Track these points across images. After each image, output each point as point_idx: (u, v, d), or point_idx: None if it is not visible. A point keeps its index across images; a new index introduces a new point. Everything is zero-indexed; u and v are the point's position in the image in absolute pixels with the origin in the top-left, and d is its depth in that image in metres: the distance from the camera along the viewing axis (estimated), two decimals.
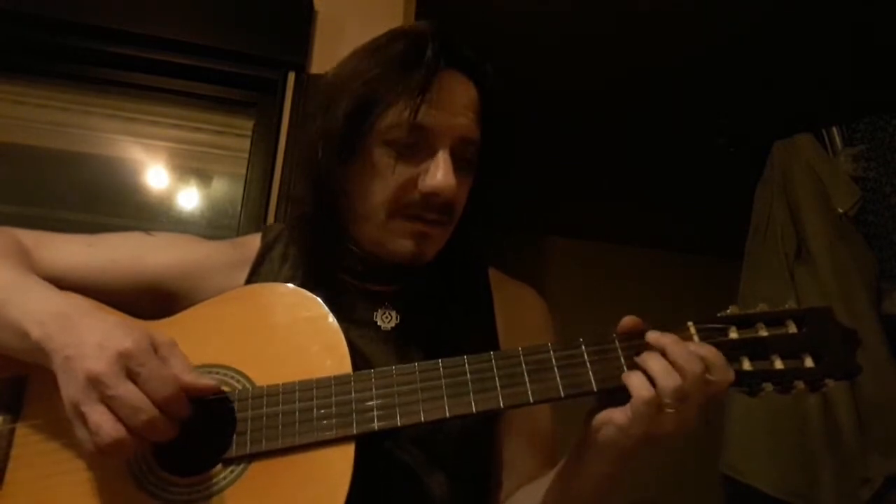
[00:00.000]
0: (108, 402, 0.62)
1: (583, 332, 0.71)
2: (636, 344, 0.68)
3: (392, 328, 0.84)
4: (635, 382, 0.64)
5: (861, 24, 2.03)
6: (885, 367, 2.05)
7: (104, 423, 0.61)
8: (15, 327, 0.68)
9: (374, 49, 0.84)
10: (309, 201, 0.86)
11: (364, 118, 0.79)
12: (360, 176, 0.81)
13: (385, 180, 0.79)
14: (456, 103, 0.80)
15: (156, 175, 1.71)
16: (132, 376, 0.63)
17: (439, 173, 0.77)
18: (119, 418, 0.62)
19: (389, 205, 0.79)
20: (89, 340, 0.64)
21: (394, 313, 0.85)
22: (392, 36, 0.84)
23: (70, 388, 0.63)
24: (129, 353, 0.63)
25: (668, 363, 0.64)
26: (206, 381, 0.68)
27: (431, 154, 0.78)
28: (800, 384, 0.67)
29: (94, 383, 0.62)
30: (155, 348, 0.66)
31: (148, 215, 1.67)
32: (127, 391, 0.62)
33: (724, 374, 0.65)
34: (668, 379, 0.62)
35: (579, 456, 0.70)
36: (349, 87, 0.81)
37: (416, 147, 0.78)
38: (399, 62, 0.79)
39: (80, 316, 0.68)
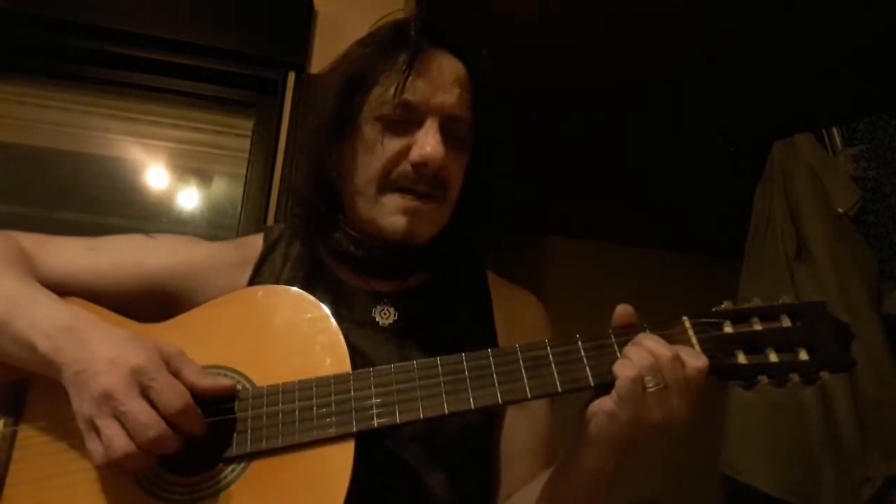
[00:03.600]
0: (120, 417, 0.63)
1: (582, 331, 0.71)
2: (631, 339, 0.68)
3: (390, 325, 0.85)
4: (618, 366, 0.66)
5: (861, 24, 2.03)
6: (886, 366, 2.05)
7: (115, 438, 0.63)
8: (21, 339, 0.69)
9: (365, 36, 0.88)
10: (308, 183, 0.88)
11: (353, 96, 0.83)
12: (353, 153, 0.84)
13: (376, 154, 0.81)
14: (442, 79, 0.82)
15: (156, 175, 1.71)
16: (144, 391, 0.64)
17: (428, 144, 0.79)
18: (129, 433, 0.63)
19: (380, 178, 0.81)
20: (101, 356, 0.65)
21: (392, 310, 0.86)
22: (382, 24, 0.88)
23: (83, 403, 0.65)
24: (141, 368, 0.65)
25: (645, 349, 0.66)
26: (224, 381, 0.70)
27: (420, 126, 0.81)
28: (795, 377, 0.68)
29: (107, 398, 0.63)
30: (166, 361, 0.67)
31: (148, 215, 1.67)
32: (137, 408, 0.63)
33: (694, 359, 0.66)
34: (644, 359, 0.65)
35: (574, 452, 0.71)
36: (340, 70, 0.85)
37: (404, 122, 0.81)
38: (385, 43, 0.83)
39: (86, 329, 0.69)
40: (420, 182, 0.80)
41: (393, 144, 0.81)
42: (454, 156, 0.83)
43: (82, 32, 1.55)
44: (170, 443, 0.64)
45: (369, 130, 0.82)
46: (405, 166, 0.80)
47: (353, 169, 0.84)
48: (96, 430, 0.64)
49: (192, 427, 0.67)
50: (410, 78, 0.79)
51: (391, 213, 0.81)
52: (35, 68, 1.62)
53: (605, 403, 0.66)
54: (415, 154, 0.79)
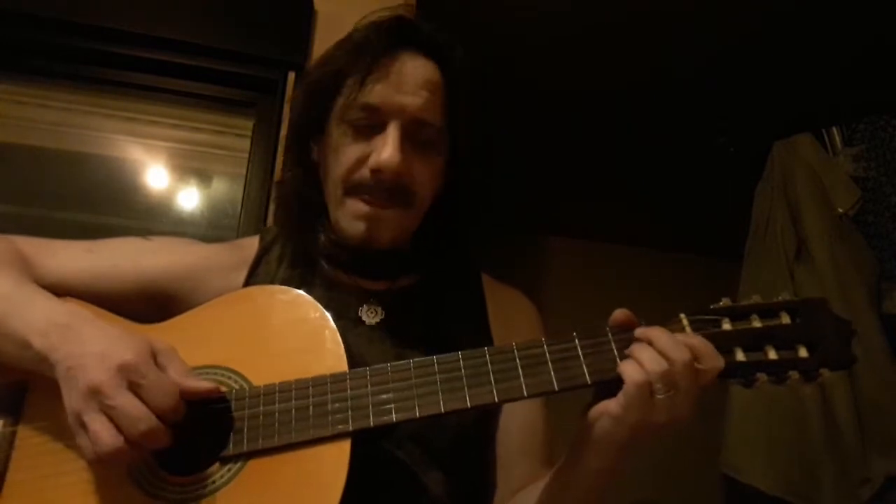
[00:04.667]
0: (108, 411, 0.63)
1: (580, 329, 0.70)
2: (629, 337, 0.68)
3: (376, 324, 0.85)
4: (627, 369, 0.65)
5: (860, 24, 2.03)
6: (886, 366, 2.05)
7: (102, 433, 0.62)
8: (17, 338, 0.69)
9: (344, 38, 0.87)
10: (288, 182, 0.89)
11: (322, 98, 0.83)
12: (324, 155, 0.85)
13: (341, 158, 0.82)
14: (405, 82, 0.81)
15: (156, 175, 1.71)
16: (133, 387, 0.64)
17: (384, 151, 0.78)
18: (118, 428, 0.62)
19: (343, 182, 0.82)
20: (91, 351, 0.65)
21: (379, 309, 0.86)
22: (359, 25, 0.87)
23: (72, 398, 0.64)
24: (130, 364, 0.64)
25: (657, 352, 0.64)
26: (205, 384, 0.69)
27: (383, 131, 0.80)
28: (794, 374, 0.67)
29: (95, 393, 0.63)
30: (154, 356, 0.67)
31: (148, 215, 1.67)
32: (126, 402, 0.63)
33: (712, 361, 0.65)
34: (656, 364, 0.63)
35: (576, 452, 0.71)
36: (315, 72, 0.86)
37: (369, 126, 0.81)
38: (355, 45, 0.82)
39: (81, 326, 0.69)
40: (379, 188, 0.80)
41: (354, 149, 0.81)
42: (421, 160, 0.82)
43: (82, 32, 1.55)
44: (159, 436, 0.64)
45: (338, 134, 0.82)
46: (364, 172, 0.80)
47: (324, 171, 0.85)
48: (84, 425, 0.63)
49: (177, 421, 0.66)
50: (372, 81, 0.79)
51: (351, 218, 0.82)
52: (35, 68, 1.62)
53: (610, 407, 0.65)
54: (371, 160, 0.79)
